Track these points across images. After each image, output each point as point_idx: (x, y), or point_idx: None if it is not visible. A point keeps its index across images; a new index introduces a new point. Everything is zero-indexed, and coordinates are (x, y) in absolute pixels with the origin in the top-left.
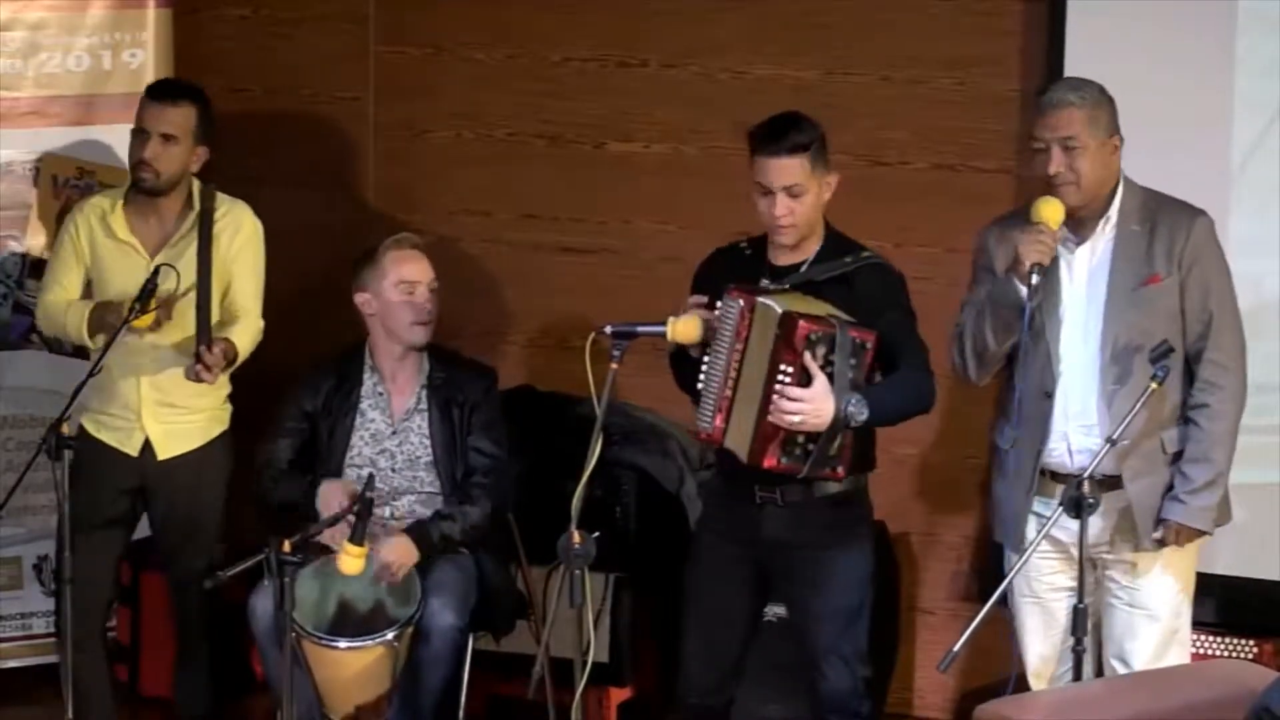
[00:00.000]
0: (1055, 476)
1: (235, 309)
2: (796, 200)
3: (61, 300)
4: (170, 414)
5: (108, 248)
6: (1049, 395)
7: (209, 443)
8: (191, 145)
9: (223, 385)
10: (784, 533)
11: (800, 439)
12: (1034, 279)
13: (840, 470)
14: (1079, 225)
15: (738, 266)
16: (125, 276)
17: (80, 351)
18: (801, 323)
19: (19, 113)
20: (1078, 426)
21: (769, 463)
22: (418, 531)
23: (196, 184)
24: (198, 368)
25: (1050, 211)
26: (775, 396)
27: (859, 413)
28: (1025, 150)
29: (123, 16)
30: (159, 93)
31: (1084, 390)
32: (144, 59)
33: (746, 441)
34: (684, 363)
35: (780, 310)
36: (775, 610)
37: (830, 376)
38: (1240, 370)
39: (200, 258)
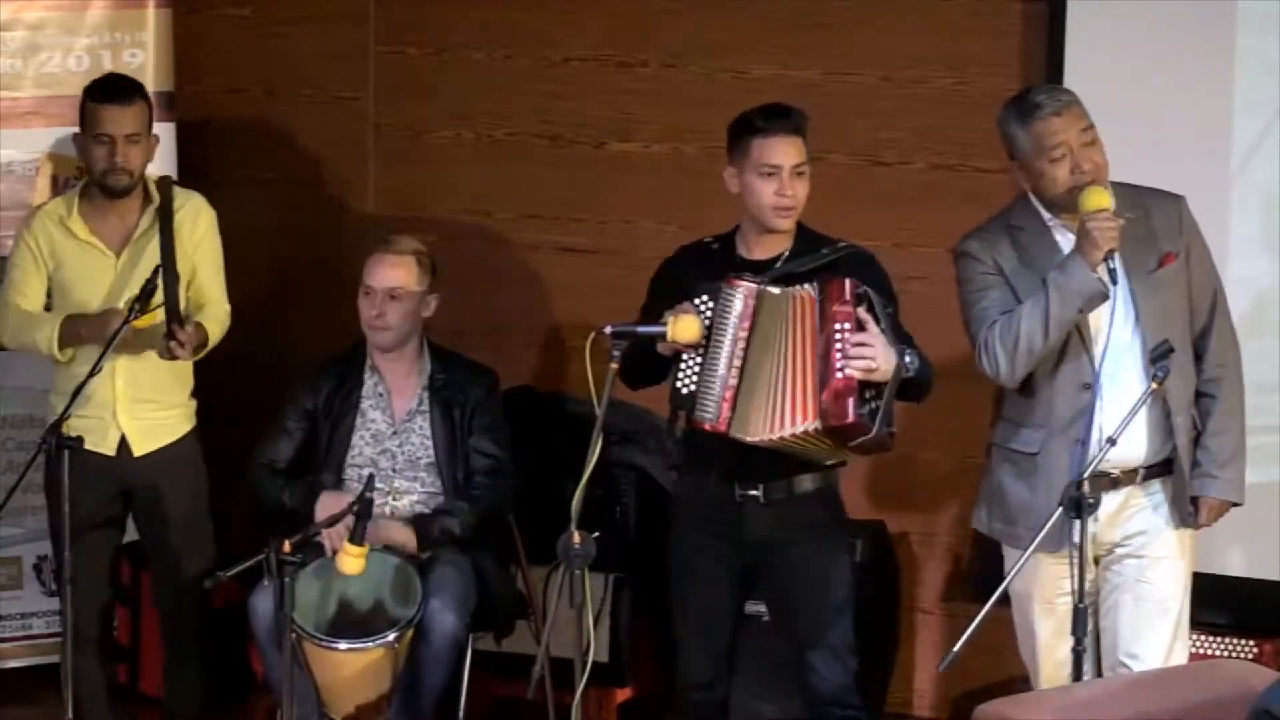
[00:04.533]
0: (1099, 475)
1: (201, 298)
2: (799, 182)
3: (24, 311)
4: (145, 409)
5: (70, 251)
6: (1087, 387)
7: (181, 439)
8: (148, 138)
9: (188, 380)
10: (767, 531)
11: (867, 394)
12: (1110, 264)
13: (893, 433)
14: (1070, 219)
15: (707, 263)
16: (91, 278)
17: None
18: (846, 280)
19: (19, 113)
20: (1114, 418)
21: (851, 419)
22: (420, 524)
23: (151, 177)
24: (170, 344)
25: (1101, 199)
26: (838, 349)
27: (913, 360)
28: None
29: (123, 16)
30: (113, 95)
31: (1119, 379)
32: (144, 59)
33: (811, 410)
34: (642, 361)
35: (815, 287)
36: (758, 607)
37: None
38: (1237, 340)
39: (164, 246)
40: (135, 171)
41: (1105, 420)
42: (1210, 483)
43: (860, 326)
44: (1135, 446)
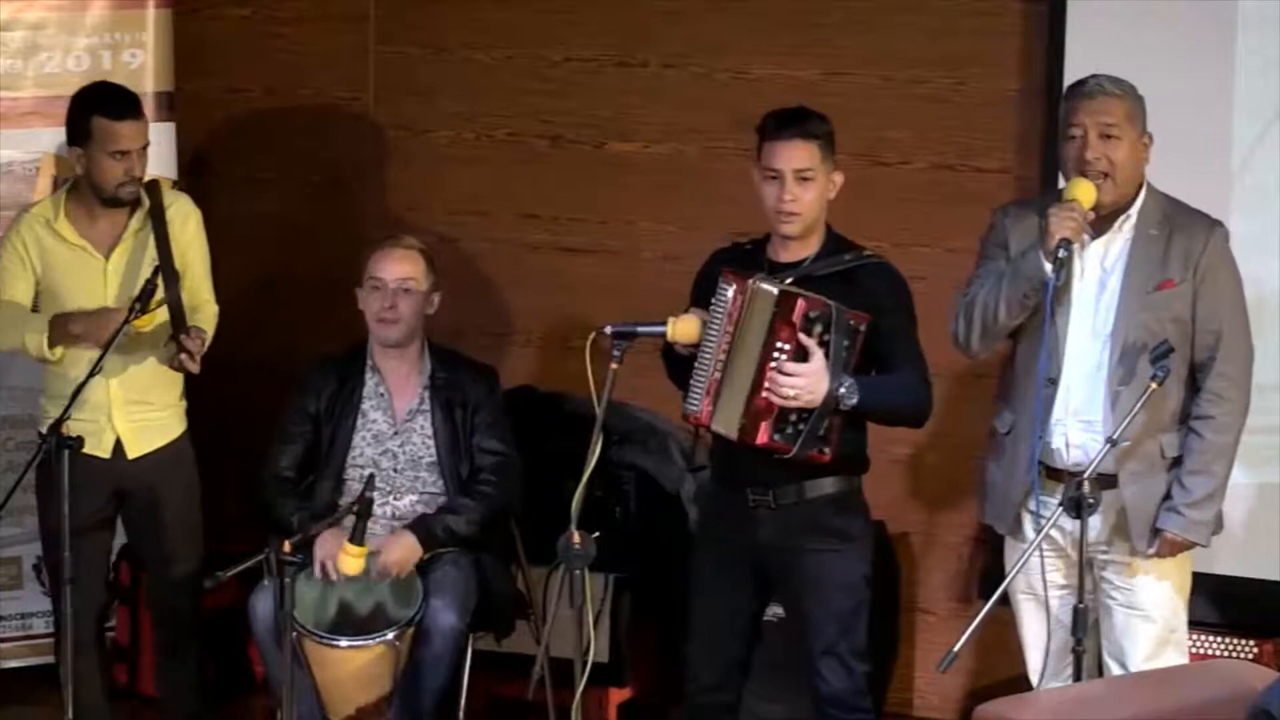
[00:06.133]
0: (1051, 472)
1: (194, 299)
2: (804, 187)
3: (7, 314)
4: (139, 410)
5: (58, 254)
6: (1053, 382)
7: (174, 440)
8: None
9: (178, 381)
10: (779, 536)
11: (792, 417)
12: (1060, 254)
13: (828, 453)
14: (1097, 221)
15: (738, 263)
16: (80, 281)
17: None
18: (800, 300)
19: (19, 113)
20: (1077, 421)
21: (761, 439)
22: (422, 527)
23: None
24: (181, 356)
25: (1083, 192)
26: (771, 371)
27: (849, 396)
28: (1025, 150)
29: (123, 16)
30: (127, 111)
31: (1087, 385)
32: (144, 59)
33: (736, 421)
34: (675, 356)
35: (776, 289)
36: (775, 610)
37: (825, 355)
38: (1247, 385)
39: (160, 249)
40: (142, 179)
41: (1066, 419)
42: (1176, 519)
43: (801, 353)
44: (1078, 451)
